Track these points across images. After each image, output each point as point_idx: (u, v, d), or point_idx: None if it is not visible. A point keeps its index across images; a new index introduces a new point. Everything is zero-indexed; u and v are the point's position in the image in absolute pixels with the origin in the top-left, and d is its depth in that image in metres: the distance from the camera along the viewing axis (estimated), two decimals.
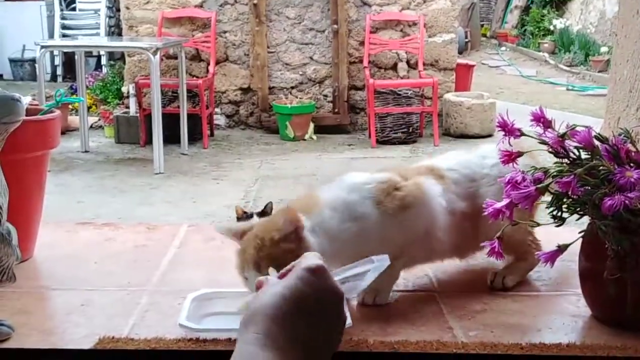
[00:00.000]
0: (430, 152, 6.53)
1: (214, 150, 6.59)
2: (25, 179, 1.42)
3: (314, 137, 6.97)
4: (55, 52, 9.53)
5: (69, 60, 9.38)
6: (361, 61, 7.08)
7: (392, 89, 6.79)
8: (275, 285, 0.76)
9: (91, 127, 7.00)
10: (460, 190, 1.38)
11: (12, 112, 1.16)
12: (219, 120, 7.24)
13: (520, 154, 1.22)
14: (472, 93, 7.54)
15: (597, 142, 1.18)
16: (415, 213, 1.30)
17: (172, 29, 7.11)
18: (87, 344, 1.08)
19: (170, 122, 6.21)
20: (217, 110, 7.23)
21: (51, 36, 9.80)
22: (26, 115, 1.45)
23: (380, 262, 0.90)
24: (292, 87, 7.24)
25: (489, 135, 7.05)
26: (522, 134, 1.23)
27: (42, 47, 5.67)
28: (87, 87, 7.17)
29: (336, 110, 7.18)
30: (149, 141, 6.22)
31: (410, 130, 6.83)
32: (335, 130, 7.10)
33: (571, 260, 1.24)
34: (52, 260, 1.46)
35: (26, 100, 1.57)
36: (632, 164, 1.17)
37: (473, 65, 8.22)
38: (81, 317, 1.20)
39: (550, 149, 1.20)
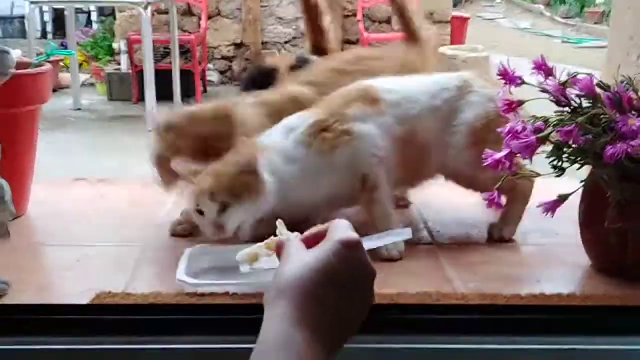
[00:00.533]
0: None
1: None
2: (16, 135, 1.39)
3: None
4: (45, 9, 9.39)
5: (58, 17, 9.24)
6: (355, 15, 7.00)
7: (386, 42, 6.72)
8: (305, 256, 0.72)
9: (83, 84, 6.93)
10: (399, 113, 1.33)
11: (2, 64, 1.14)
12: (212, 76, 7.18)
13: (521, 103, 1.20)
14: (467, 46, 7.47)
15: (599, 90, 1.16)
16: (346, 152, 1.27)
17: None
18: (84, 300, 1.07)
19: (163, 79, 6.14)
20: (210, 66, 7.16)
21: None
22: (16, 69, 1.43)
23: (401, 234, 0.89)
24: (286, 42, 7.17)
25: None
26: (523, 82, 1.20)
27: (32, 2, 5.58)
28: (77, 44, 7.08)
29: None
30: (141, 98, 6.16)
31: None
32: None
33: (571, 208, 1.23)
34: (46, 216, 1.45)
35: (16, 54, 1.54)
36: (634, 112, 1.15)
37: (468, 18, 8.14)
38: (77, 273, 1.19)
39: (552, 98, 1.18)
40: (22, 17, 8.71)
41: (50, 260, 1.28)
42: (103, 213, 1.48)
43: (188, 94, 6.56)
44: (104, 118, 6.22)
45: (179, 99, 6.32)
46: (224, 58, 7.22)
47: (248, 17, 7.03)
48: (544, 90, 1.18)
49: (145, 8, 5.56)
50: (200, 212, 1.22)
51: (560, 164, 1.19)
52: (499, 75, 1.20)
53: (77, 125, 5.97)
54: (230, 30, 7.13)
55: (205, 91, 6.92)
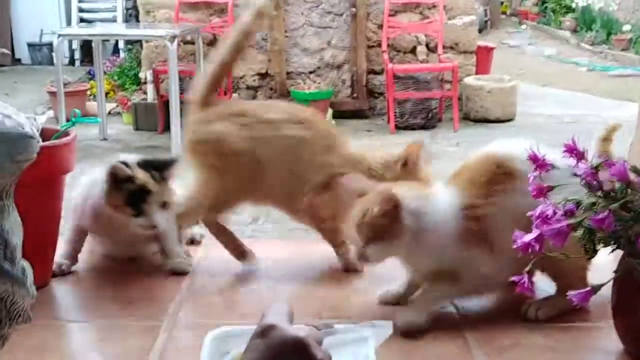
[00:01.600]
0: (450, 137, 6.46)
1: None
2: (41, 206, 1.39)
3: (333, 122, 6.91)
4: None
5: (86, 44, 9.35)
6: (380, 45, 7.01)
7: (411, 73, 6.72)
8: None
9: (109, 113, 6.99)
10: None
11: (25, 151, 1.13)
12: None
13: (551, 188, 1.17)
14: (492, 76, 7.45)
15: (632, 175, 1.13)
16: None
17: (189, 13, 7.06)
18: None
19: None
20: (235, 95, 7.18)
21: (68, 19, 9.78)
22: (41, 137, 1.42)
23: (381, 328, 0.88)
24: (310, 72, 7.19)
25: (510, 120, 6.98)
26: (554, 167, 1.17)
27: (60, 35, 5.64)
28: (104, 72, 7.15)
29: (355, 95, 7.12)
30: (167, 128, 6.18)
31: (430, 115, 6.76)
32: (353, 115, 7.05)
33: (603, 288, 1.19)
34: (68, 286, 1.44)
35: (41, 120, 1.54)
36: None
37: (493, 48, 8.11)
38: (99, 356, 1.18)
39: (583, 182, 1.15)
40: (51, 44, 8.80)
41: (72, 340, 1.27)
42: (125, 282, 1.47)
43: None
44: (129, 148, 6.25)
45: None
46: (249, 88, 7.25)
47: (273, 47, 7.05)
48: (575, 175, 1.15)
49: (171, 40, 5.60)
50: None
51: (592, 246, 1.17)
52: (529, 158, 1.17)
53: (102, 155, 5.99)
54: (256, 60, 7.17)
55: None
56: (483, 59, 7.65)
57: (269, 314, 0.78)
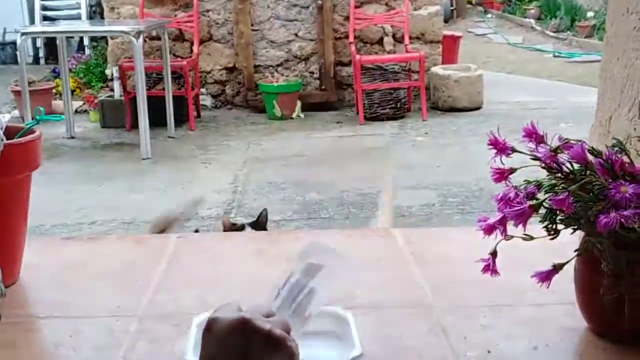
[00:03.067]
0: (419, 127, 6.51)
1: (201, 132, 6.54)
2: (8, 204, 1.38)
3: (302, 115, 6.93)
4: None
5: (50, 42, 9.25)
6: (347, 37, 7.02)
7: (378, 64, 6.75)
8: None
9: (76, 111, 6.94)
10: None
11: None
12: (205, 100, 7.19)
13: (512, 171, 1.19)
14: (459, 65, 7.50)
15: (590, 157, 1.16)
16: None
17: (154, 9, 7.02)
18: None
19: (156, 105, 6.15)
20: (203, 90, 7.17)
21: (32, 17, 9.67)
22: (5, 135, 1.42)
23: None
24: (278, 65, 7.19)
25: (478, 108, 7.05)
26: (515, 151, 1.20)
27: (23, 34, 5.58)
28: (70, 69, 7.09)
29: (323, 87, 7.14)
30: (135, 125, 6.15)
31: (398, 105, 6.80)
32: (322, 107, 7.06)
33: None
34: (38, 283, 1.43)
35: (5, 119, 1.53)
36: (627, 178, 1.14)
37: (459, 37, 8.17)
38: (70, 350, 1.18)
39: (543, 165, 1.17)
40: (14, 43, 8.69)
41: (43, 335, 1.26)
42: (96, 278, 1.47)
43: (182, 119, 6.57)
44: (97, 146, 6.22)
45: (173, 125, 6.33)
46: (216, 82, 7.23)
47: (240, 41, 7.04)
48: (535, 158, 1.17)
49: (137, 36, 5.57)
50: None
51: (554, 226, 1.19)
52: (489, 144, 1.19)
53: (70, 154, 5.97)
54: (223, 55, 7.15)
55: (198, 116, 6.93)
56: (449, 48, 7.71)
57: (216, 312, 0.80)
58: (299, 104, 6.91)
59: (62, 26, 6.47)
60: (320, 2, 6.97)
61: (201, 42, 7.03)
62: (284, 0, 7.07)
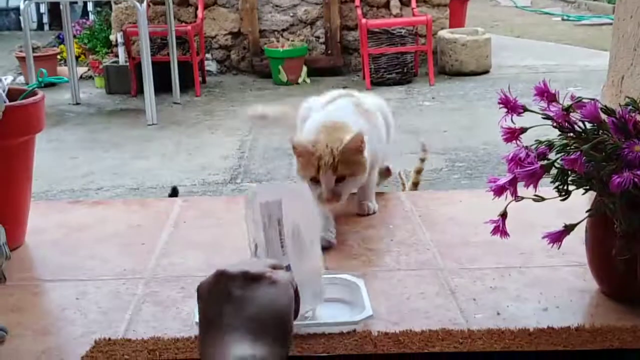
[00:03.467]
0: (426, 92, 6.45)
1: (207, 98, 6.50)
2: (12, 166, 1.37)
3: (308, 80, 6.87)
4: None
5: (54, 7, 9.18)
6: (353, 0, 6.93)
7: (385, 28, 6.67)
8: None
9: (81, 77, 6.90)
10: None
11: None
12: (210, 66, 7.13)
13: (523, 130, 1.17)
14: (466, 29, 7.41)
15: (603, 115, 1.14)
16: None
17: None
18: (83, 345, 1.05)
19: (161, 71, 6.11)
20: (208, 56, 7.11)
21: None
22: (8, 98, 1.40)
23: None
24: (284, 30, 7.11)
25: (485, 72, 6.97)
26: (526, 110, 1.17)
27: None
28: (74, 35, 7.03)
29: (329, 52, 7.07)
30: (140, 90, 6.10)
31: (405, 70, 6.73)
32: (329, 72, 7.00)
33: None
34: (44, 247, 1.43)
35: (7, 81, 1.51)
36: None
37: (467, 0, 8.05)
38: (76, 313, 1.17)
39: (555, 124, 1.15)
40: (18, 9, 8.62)
41: (49, 299, 1.26)
42: (102, 241, 1.46)
43: (187, 84, 6.53)
44: (102, 112, 6.19)
45: (178, 91, 6.29)
46: (221, 47, 7.17)
47: (245, 6, 6.96)
48: (547, 117, 1.15)
49: (141, 2, 5.51)
50: (316, 181, 1.43)
51: (565, 187, 1.17)
52: (499, 102, 1.16)
53: (76, 120, 5.94)
54: (228, 19, 7.08)
55: (204, 81, 6.88)
56: (457, 11, 7.60)
57: None
58: (304, 69, 6.86)
59: None
60: None
61: (206, 6, 6.96)
62: None
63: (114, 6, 7.19)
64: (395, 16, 7.04)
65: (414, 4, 6.87)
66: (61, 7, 6.34)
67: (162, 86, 6.15)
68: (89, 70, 7.11)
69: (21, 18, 5.73)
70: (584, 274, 1.26)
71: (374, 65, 6.65)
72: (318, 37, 7.12)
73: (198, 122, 5.80)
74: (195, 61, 6.57)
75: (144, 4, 5.57)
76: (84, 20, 8.06)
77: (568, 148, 1.15)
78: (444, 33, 7.05)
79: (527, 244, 1.36)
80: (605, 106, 1.14)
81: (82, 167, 4.71)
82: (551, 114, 1.15)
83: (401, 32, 6.68)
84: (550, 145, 1.18)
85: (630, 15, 1.49)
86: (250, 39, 7.03)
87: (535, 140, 1.19)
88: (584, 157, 1.10)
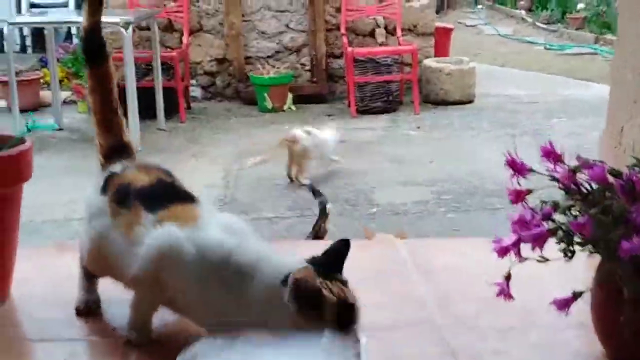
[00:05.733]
0: (411, 120, 6.46)
1: (192, 125, 6.47)
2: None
3: (293, 107, 6.86)
4: None
5: (37, 30, 9.11)
6: (338, 28, 6.95)
7: (371, 57, 6.68)
8: None
9: (64, 102, 6.84)
10: None
11: None
12: (195, 92, 7.11)
13: (529, 192, 1.14)
14: (451, 58, 7.45)
15: (610, 177, 1.11)
16: None
17: None
18: None
19: (146, 96, 6.07)
20: (193, 82, 7.08)
21: (18, 4, 9.50)
22: None
23: None
24: (269, 57, 7.11)
25: (470, 101, 7.00)
26: (532, 171, 1.15)
27: (10, 24, 5.48)
28: (57, 59, 6.98)
29: (314, 79, 7.07)
30: (124, 116, 6.03)
31: (390, 98, 6.75)
32: (314, 100, 7.00)
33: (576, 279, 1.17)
34: (31, 301, 1.37)
35: None
36: None
37: (452, 29, 8.11)
38: None
39: (561, 185, 1.13)
40: (0, 31, 8.56)
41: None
42: None
43: (171, 111, 6.49)
44: (85, 138, 6.11)
45: (162, 117, 6.25)
46: (207, 73, 7.15)
47: (231, 32, 6.96)
48: (554, 178, 1.13)
49: (126, 27, 5.48)
50: None
51: (570, 250, 1.15)
52: (507, 164, 1.14)
53: (58, 146, 5.88)
54: (213, 46, 7.06)
55: (188, 107, 6.85)
56: (442, 40, 7.65)
57: None
58: (290, 96, 6.85)
59: (50, 16, 6.36)
60: None
61: (191, 32, 6.94)
62: None
63: None
64: (380, 45, 7.06)
65: (399, 33, 6.90)
66: (45, 31, 6.29)
67: (147, 112, 6.11)
68: (72, 94, 7.05)
69: (5, 42, 5.66)
70: (587, 336, 1.23)
71: (359, 94, 6.66)
72: (304, 65, 7.12)
73: (183, 149, 5.76)
74: (180, 87, 6.54)
75: (130, 30, 5.54)
76: (67, 44, 8.00)
77: (574, 208, 1.13)
78: (430, 62, 7.08)
79: (530, 302, 1.32)
80: (613, 169, 1.12)
81: (64, 196, 4.64)
82: (557, 175, 1.13)
83: (387, 60, 6.70)
84: (555, 205, 1.16)
85: (631, 67, 1.48)
86: (236, 66, 7.02)
87: (540, 201, 1.17)
88: (592, 221, 1.07)
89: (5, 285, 1.36)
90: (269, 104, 6.75)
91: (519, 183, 1.13)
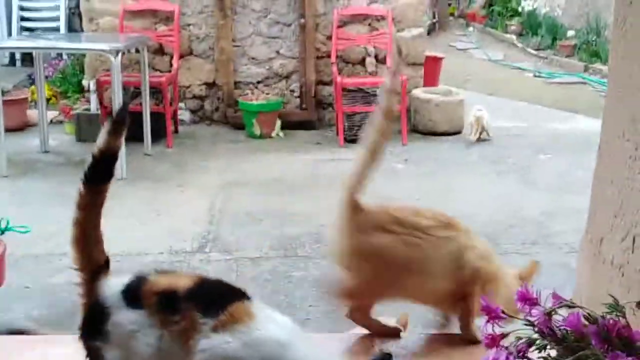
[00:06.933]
0: (398, 152, 6.46)
1: (179, 150, 6.45)
2: None
3: (281, 134, 6.85)
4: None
5: None
6: (329, 56, 6.95)
7: (360, 87, 6.69)
8: None
9: (51, 122, 6.80)
10: None
11: None
12: (184, 115, 7.09)
13: (504, 336, 1.14)
14: (440, 89, 7.46)
15: (585, 322, 1.11)
16: None
17: (134, 21, 6.91)
18: None
19: (133, 120, 5.99)
20: (182, 105, 7.07)
21: (9, 21, 9.45)
22: None
23: None
24: (259, 82, 7.11)
25: (458, 132, 7.01)
26: (510, 316, 1.14)
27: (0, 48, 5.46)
28: (46, 77, 6.96)
29: (303, 106, 7.07)
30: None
31: None
32: (302, 126, 7.00)
33: None
34: None
35: None
36: (625, 346, 1.09)
37: (442, 58, 8.13)
38: None
39: (536, 330, 1.12)
40: None
41: None
42: None
43: (159, 134, 6.47)
44: (71, 162, 6.08)
45: (149, 142, 6.23)
46: (195, 97, 7.13)
47: (221, 57, 6.95)
48: (529, 323, 1.12)
49: (115, 55, 5.46)
50: None
51: None
52: (482, 310, 1.13)
53: (44, 170, 5.84)
54: (203, 70, 7.05)
55: (176, 131, 6.84)
56: (431, 68, 7.66)
57: None
58: (278, 122, 6.84)
59: (39, 41, 6.31)
60: (303, 20, 6.89)
61: (181, 56, 6.92)
62: (267, 17, 6.98)
63: (87, 53, 7.13)
64: (370, 74, 7.07)
65: (389, 62, 6.90)
66: (34, 54, 6.26)
67: (134, 136, 6.07)
68: (59, 115, 7.02)
69: None
70: None
71: (347, 123, 6.67)
72: (293, 91, 7.12)
73: (168, 177, 5.74)
74: (169, 112, 6.53)
75: (119, 57, 5.52)
76: (57, 62, 7.97)
77: (549, 348, 1.12)
78: (418, 92, 7.09)
79: None
80: (588, 314, 1.12)
81: (47, 227, 4.59)
82: (533, 319, 1.12)
83: (376, 91, 6.70)
84: (530, 343, 1.15)
85: (611, 180, 1.48)
86: (225, 90, 7.01)
87: (515, 337, 1.16)
88: None
89: None
90: (257, 130, 6.74)
91: (493, 330, 1.13)
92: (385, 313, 2.98)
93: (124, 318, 1.19)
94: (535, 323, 1.12)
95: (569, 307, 1.14)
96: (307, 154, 6.37)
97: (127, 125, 1.26)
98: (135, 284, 1.23)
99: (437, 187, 5.54)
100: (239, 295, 1.20)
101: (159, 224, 4.75)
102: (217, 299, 1.18)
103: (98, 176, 1.26)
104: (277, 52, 7.07)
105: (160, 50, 7.01)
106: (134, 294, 1.20)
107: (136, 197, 5.17)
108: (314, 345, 1.19)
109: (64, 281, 3.89)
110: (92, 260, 1.27)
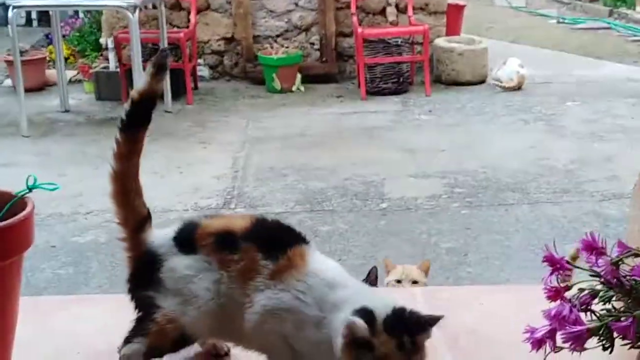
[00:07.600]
0: (422, 103, 6.34)
1: (199, 107, 6.37)
2: None
3: (302, 88, 6.75)
4: None
5: None
6: (349, 6, 6.80)
7: (381, 37, 6.55)
8: None
9: (70, 81, 6.74)
10: None
11: None
12: (203, 71, 6.99)
13: (568, 288, 1.06)
14: (463, 37, 7.30)
15: None
16: None
17: None
18: None
19: None
20: (200, 61, 6.97)
21: None
22: None
23: None
24: (278, 36, 6.98)
25: (482, 82, 6.87)
26: (575, 267, 1.06)
27: (14, 7, 5.37)
28: (63, 36, 6.88)
29: (324, 59, 6.94)
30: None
31: (401, 80, 6.63)
32: (323, 80, 6.89)
33: None
34: None
35: None
36: None
37: (464, 6, 7.93)
38: None
39: (603, 280, 1.04)
40: (4, 4, 8.41)
41: None
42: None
43: (179, 92, 6.39)
44: (92, 121, 6.04)
45: (169, 99, 6.15)
46: (214, 52, 7.03)
47: (238, 11, 6.82)
48: (595, 274, 1.04)
49: (133, 11, 5.36)
50: None
51: (610, 343, 1.07)
52: (544, 261, 1.05)
53: (65, 130, 5.79)
54: (221, 25, 6.93)
55: (196, 87, 6.75)
56: (453, 18, 7.49)
57: None
58: (298, 76, 6.73)
59: None
60: None
61: (198, 11, 6.80)
62: None
63: (104, 9, 7.02)
64: (391, 23, 6.91)
65: (410, 12, 6.75)
66: (50, 12, 6.17)
67: None
68: (78, 74, 6.95)
69: (9, 27, 5.54)
70: None
71: (369, 75, 6.54)
72: (313, 44, 6.98)
73: (190, 134, 5.68)
74: (188, 68, 6.43)
75: (136, 13, 5.42)
76: (74, 20, 7.88)
77: (617, 316, 1.05)
78: (441, 41, 6.94)
79: None
80: None
81: (71, 186, 4.56)
82: (599, 270, 1.04)
83: (397, 41, 6.57)
84: (594, 294, 1.08)
85: None
86: (244, 45, 6.89)
87: (578, 289, 1.08)
88: (637, 323, 0.99)
89: (6, 357, 1.29)
90: (277, 85, 6.64)
91: (557, 282, 1.05)
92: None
93: (179, 264, 1.14)
94: (602, 275, 1.05)
95: (636, 255, 1.06)
96: (329, 108, 6.27)
97: (168, 69, 1.18)
98: (187, 229, 1.18)
99: (463, 138, 5.44)
100: (297, 238, 1.14)
101: (183, 181, 4.70)
102: (276, 241, 1.13)
103: (136, 122, 1.18)
104: (296, 4, 6.93)
105: (177, 5, 6.89)
106: (187, 240, 1.15)
107: (158, 154, 5.10)
108: (361, 288, 1.14)
109: (90, 239, 3.87)
110: (135, 213, 1.21)
